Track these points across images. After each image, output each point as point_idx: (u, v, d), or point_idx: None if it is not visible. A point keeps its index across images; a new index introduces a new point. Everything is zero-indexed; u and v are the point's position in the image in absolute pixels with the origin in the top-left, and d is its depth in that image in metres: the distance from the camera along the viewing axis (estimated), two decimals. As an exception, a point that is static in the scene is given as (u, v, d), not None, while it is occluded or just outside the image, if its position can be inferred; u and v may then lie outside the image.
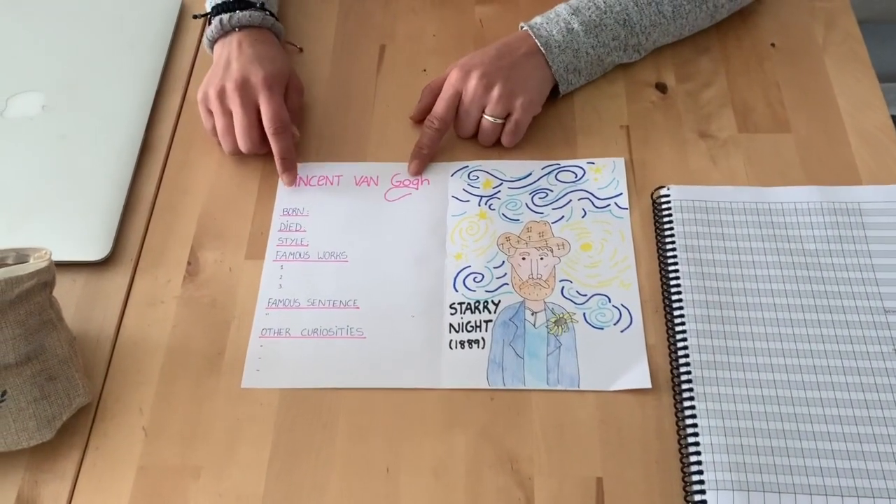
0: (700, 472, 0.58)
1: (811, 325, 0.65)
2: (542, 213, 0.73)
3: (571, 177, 0.75)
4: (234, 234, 0.74)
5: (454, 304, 0.68)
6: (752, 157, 0.76)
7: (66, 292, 0.70)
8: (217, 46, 0.79)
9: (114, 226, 0.73)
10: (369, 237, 0.73)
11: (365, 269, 0.71)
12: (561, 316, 0.67)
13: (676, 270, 0.68)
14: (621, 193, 0.74)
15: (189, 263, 0.72)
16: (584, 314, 0.67)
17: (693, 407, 0.61)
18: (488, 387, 0.64)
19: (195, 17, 0.85)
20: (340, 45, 0.87)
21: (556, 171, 0.76)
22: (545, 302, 0.68)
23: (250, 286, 0.71)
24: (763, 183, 0.74)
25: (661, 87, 0.81)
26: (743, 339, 0.64)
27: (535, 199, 0.74)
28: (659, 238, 0.71)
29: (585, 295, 0.68)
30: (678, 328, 0.65)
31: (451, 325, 0.67)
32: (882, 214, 0.70)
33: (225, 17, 0.78)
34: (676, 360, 0.64)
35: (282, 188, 0.76)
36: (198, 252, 0.73)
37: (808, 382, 0.62)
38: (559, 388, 0.64)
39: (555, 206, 0.74)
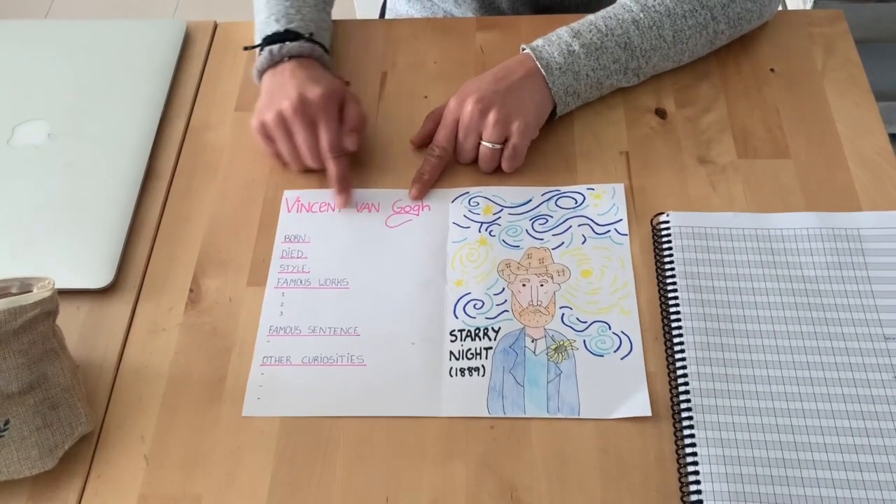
0: (700, 502, 0.58)
1: (811, 352, 0.65)
2: (542, 240, 0.73)
3: (571, 203, 0.76)
4: (236, 261, 0.74)
5: (454, 331, 0.69)
6: (752, 182, 0.76)
7: (70, 319, 0.71)
8: (266, 76, 0.80)
9: (117, 253, 0.74)
10: (370, 264, 0.73)
11: (366, 295, 0.71)
12: (561, 343, 0.67)
13: (676, 297, 0.68)
14: (621, 220, 0.74)
15: (191, 291, 0.73)
16: (584, 341, 0.67)
17: (693, 435, 0.61)
18: (488, 415, 0.64)
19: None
20: (342, 72, 0.88)
21: (556, 197, 0.76)
22: (545, 329, 0.68)
23: (252, 313, 0.71)
24: (762, 209, 0.74)
25: (661, 113, 0.82)
26: (743, 367, 0.64)
27: (536, 225, 0.74)
28: (658, 264, 0.71)
29: (585, 322, 0.68)
30: (678, 356, 0.65)
31: (451, 352, 0.67)
32: (882, 241, 0.70)
33: (275, 47, 0.79)
34: (676, 387, 0.64)
35: (283, 214, 0.77)
36: (200, 279, 0.73)
37: (807, 410, 0.62)
38: (559, 416, 0.64)
39: (555, 232, 0.74)
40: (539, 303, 0.70)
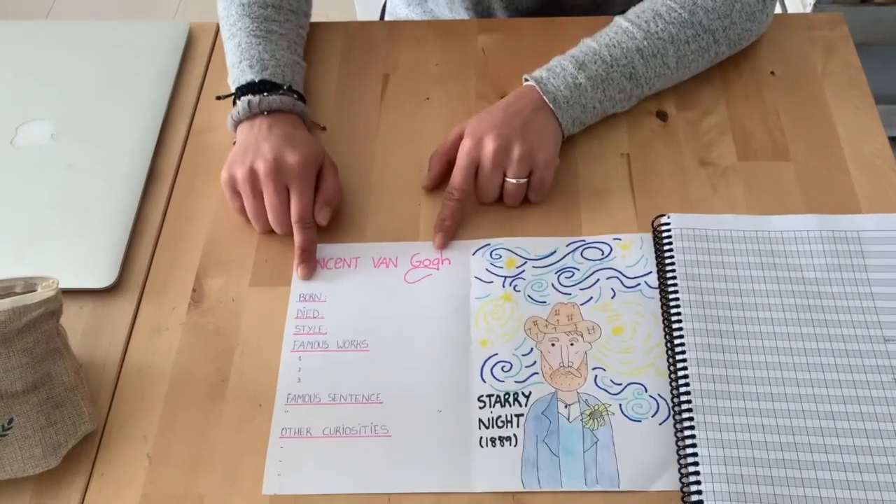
0: (700, 502, 0.59)
1: (811, 353, 0.65)
2: (569, 295, 0.70)
3: (598, 254, 0.72)
4: (239, 261, 0.75)
5: (482, 396, 0.65)
6: (752, 185, 0.77)
7: (73, 319, 0.71)
8: (242, 128, 0.77)
9: (120, 253, 0.74)
10: (390, 323, 0.70)
11: (387, 358, 0.68)
12: (596, 408, 0.64)
13: (677, 298, 0.69)
14: (651, 272, 0.71)
15: (194, 290, 0.73)
16: (619, 405, 0.64)
17: (694, 436, 0.61)
18: (523, 489, 0.61)
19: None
20: (344, 74, 0.88)
21: (581, 248, 0.73)
22: (578, 393, 0.65)
23: (254, 313, 0.71)
24: (763, 211, 0.74)
25: (662, 116, 0.82)
26: (743, 368, 0.65)
27: (562, 278, 0.71)
28: (660, 266, 0.71)
29: (620, 384, 0.65)
30: (679, 356, 0.66)
31: (480, 420, 0.64)
32: (881, 243, 0.71)
33: (254, 99, 0.76)
34: (677, 388, 0.64)
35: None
36: (202, 279, 0.74)
37: (807, 411, 0.62)
38: (598, 488, 0.60)
39: (582, 286, 0.70)
40: (570, 364, 0.66)
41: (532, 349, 0.67)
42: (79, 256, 0.74)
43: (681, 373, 0.65)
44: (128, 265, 0.75)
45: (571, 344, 0.67)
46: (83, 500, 0.63)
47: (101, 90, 0.86)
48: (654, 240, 0.73)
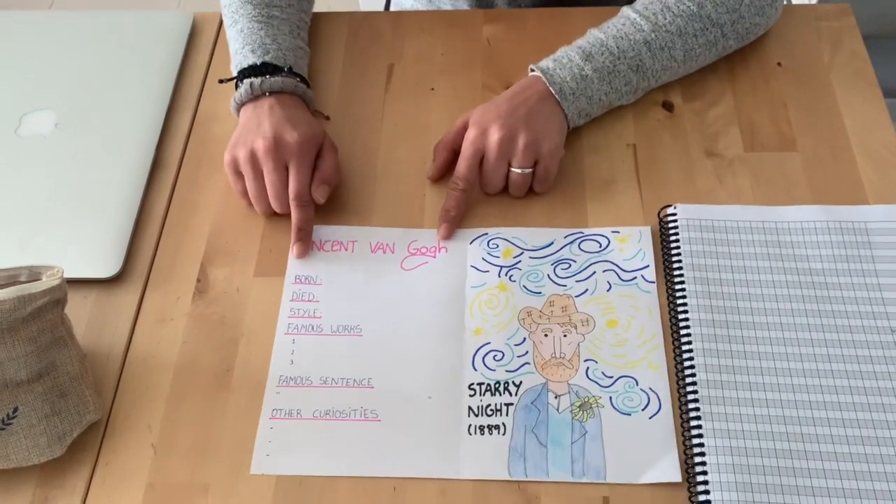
0: (707, 493, 0.58)
1: (818, 344, 0.65)
2: (565, 286, 0.70)
3: (595, 246, 0.72)
4: (244, 251, 0.74)
5: (473, 384, 0.65)
6: (759, 175, 0.76)
7: (78, 309, 0.71)
8: (245, 110, 0.77)
9: (125, 243, 0.74)
10: (384, 309, 0.70)
11: (379, 344, 0.68)
12: (586, 400, 0.64)
13: (683, 289, 0.68)
14: (648, 266, 0.70)
15: (198, 280, 0.73)
16: (610, 398, 0.64)
17: (700, 427, 0.61)
18: (510, 478, 0.61)
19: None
20: (349, 64, 0.88)
21: (579, 240, 0.72)
22: (569, 384, 0.65)
23: (259, 303, 0.71)
24: (770, 202, 0.74)
25: (668, 106, 0.82)
26: (750, 359, 0.64)
27: (558, 269, 0.71)
28: (666, 257, 0.71)
29: (612, 377, 0.65)
30: (685, 347, 0.65)
31: (470, 408, 0.64)
32: (889, 234, 0.70)
33: (256, 81, 0.76)
34: (683, 379, 0.64)
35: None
36: (207, 269, 0.73)
37: (814, 402, 0.62)
38: (584, 480, 0.60)
39: (578, 278, 0.70)
40: (562, 355, 0.66)
41: (525, 339, 0.67)
42: (83, 246, 0.74)
43: (687, 363, 0.65)
44: (132, 255, 0.74)
45: (564, 335, 0.67)
46: (88, 489, 0.63)
47: (105, 80, 0.86)
48: (660, 231, 0.73)
